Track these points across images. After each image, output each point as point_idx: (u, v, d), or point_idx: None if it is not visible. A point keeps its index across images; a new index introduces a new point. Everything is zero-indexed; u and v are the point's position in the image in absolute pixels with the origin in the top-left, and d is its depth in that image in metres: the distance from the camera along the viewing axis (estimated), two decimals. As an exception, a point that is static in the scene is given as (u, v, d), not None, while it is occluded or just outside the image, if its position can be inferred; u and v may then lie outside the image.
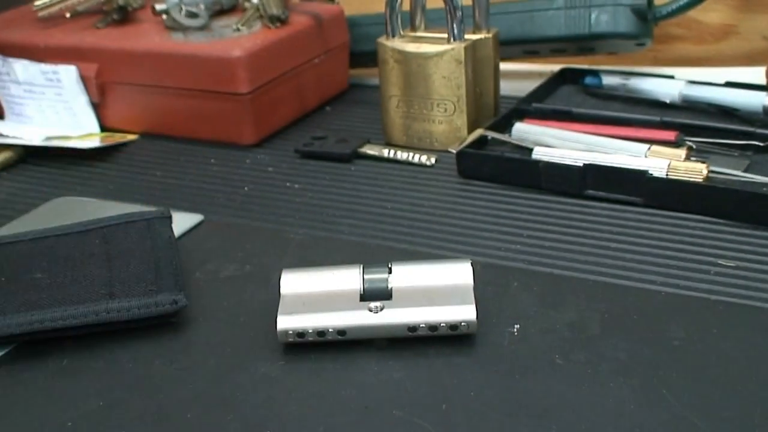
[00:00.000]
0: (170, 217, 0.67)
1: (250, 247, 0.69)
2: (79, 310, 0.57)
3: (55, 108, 0.95)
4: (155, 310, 0.58)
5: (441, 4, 0.82)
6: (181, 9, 0.94)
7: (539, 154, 0.75)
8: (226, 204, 0.77)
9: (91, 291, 0.59)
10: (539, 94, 0.90)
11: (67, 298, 0.58)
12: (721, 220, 0.68)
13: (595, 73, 0.92)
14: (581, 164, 0.73)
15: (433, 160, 0.82)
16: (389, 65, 0.84)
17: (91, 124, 0.95)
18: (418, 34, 0.86)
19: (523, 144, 0.79)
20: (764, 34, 1.03)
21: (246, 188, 0.80)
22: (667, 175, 0.70)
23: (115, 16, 0.97)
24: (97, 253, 0.63)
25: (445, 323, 0.55)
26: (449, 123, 0.84)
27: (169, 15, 0.94)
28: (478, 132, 0.81)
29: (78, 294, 0.59)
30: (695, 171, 0.70)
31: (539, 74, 1.01)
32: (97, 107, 0.95)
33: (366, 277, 0.58)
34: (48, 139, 0.90)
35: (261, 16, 0.94)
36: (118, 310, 0.58)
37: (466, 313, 0.55)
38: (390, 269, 0.58)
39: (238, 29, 0.91)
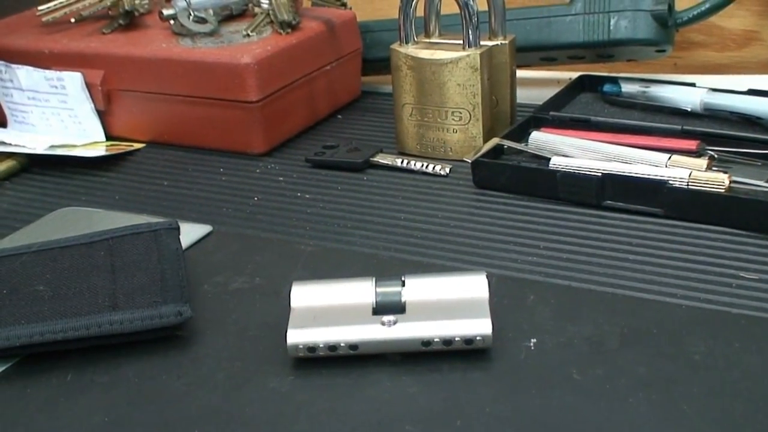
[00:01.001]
0: (178, 229, 0.68)
1: (260, 259, 0.70)
2: (80, 322, 0.58)
3: (59, 116, 0.96)
4: (159, 322, 0.58)
5: (456, 10, 0.82)
6: (190, 14, 0.94)
7: (556, 163, 0.76)
8: (235, 215, 0.78)
9: (94, 303, 0.59)
10: (557, 102, 0.90)
11: (69, 310, 0.59)
12: (743, 232, 0.68)
13: (614, 81, 0.92)
14: (600, 174, 0.73)
15: (447, 170, 0.82)
16: (403, 72, 0.85)
17: (97, 132, 0.95)
18: (433, 40, 0.87)
19: (540, 153, 0.79)
20: (789, 40, 1.03)
21: (256, 198, 0.81)
22: (688, 185, 0.70)
23: (121, 22, 0.97)
24: (101, 265, 0.63)
25: (459, 337, 0.55)
26: (464, 131, 0.84)
27: (177, 20, 0.94)
28: (494, 141, 0.81)
29: (80, 306, 0.59)
30: (717, 181, 0.70)
31: (557, 81, 1.02)
32: (103, 115, 0.95)
33: (378, 290, 0.58)
34: (52, 147, 0.90)
35: (271, 22, 0.94)
36: (121, 322, 0.58)
37: (481, 326, 0.55)
38: (403, 282, 0.58)
39: (248, 35, 0.92)
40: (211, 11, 0.95)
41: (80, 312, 0.58)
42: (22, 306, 0.59)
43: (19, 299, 0.60)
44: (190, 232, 0.73)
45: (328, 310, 0.57)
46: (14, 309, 0.59)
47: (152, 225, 0.67)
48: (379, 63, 1.01)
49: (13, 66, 0.95)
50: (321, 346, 0.55)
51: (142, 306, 0.59)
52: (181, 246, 0.66)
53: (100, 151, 0.91)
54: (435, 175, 0.82)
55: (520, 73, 0.91)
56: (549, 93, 0.91)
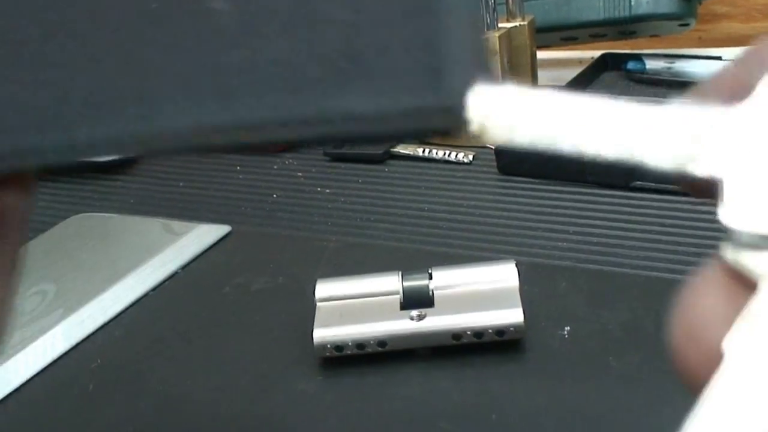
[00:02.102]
0: None
1: (282, 258, 0.70)
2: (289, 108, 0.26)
3: (70, 120, 0.95)
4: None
5: (471, -8, 0.82)
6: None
7: (582, 145, 0.75)
8: (254, 213, 0.78)
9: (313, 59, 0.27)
10: (580, 82, 0.90)
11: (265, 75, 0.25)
12: (780, 207, 0.67)
13: (638, 58, 0.91)
14: (628, 154, 0.72)
15: (470, 157, 0.82)
16: (419, 59, 0.84)
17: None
18: (448, 24, 0.86)
19: (565, 136, 0.79)
20: (817, 7, 1.02)
21: (275, 195, 0.81)
22: (719, 161, 0.70)
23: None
24: None
25: (491, 329, 0.54)
26: (485, 117, 0.83)
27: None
28: (517, 125, 0.81)
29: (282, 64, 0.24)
30: (750, 156, 0.69)
31: (579, 61, 1.01)
32: (114, 118, 0.95)
33: (405, 283, 0.58)
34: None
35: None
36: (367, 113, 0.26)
37: (512, 316, 0.55)
38: (430, 274, 0.58)
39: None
40: None
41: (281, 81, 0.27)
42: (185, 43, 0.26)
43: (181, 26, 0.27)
44: (208, 233, 0.73)
45: (355, 307, 0.57)
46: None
47: None
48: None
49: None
50: (349, 344, 0.55)
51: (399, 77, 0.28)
52: None
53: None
54: (458, 162, 0.82)
55: (541, 54, 0.91)
56: (571, 73, 0.91)
